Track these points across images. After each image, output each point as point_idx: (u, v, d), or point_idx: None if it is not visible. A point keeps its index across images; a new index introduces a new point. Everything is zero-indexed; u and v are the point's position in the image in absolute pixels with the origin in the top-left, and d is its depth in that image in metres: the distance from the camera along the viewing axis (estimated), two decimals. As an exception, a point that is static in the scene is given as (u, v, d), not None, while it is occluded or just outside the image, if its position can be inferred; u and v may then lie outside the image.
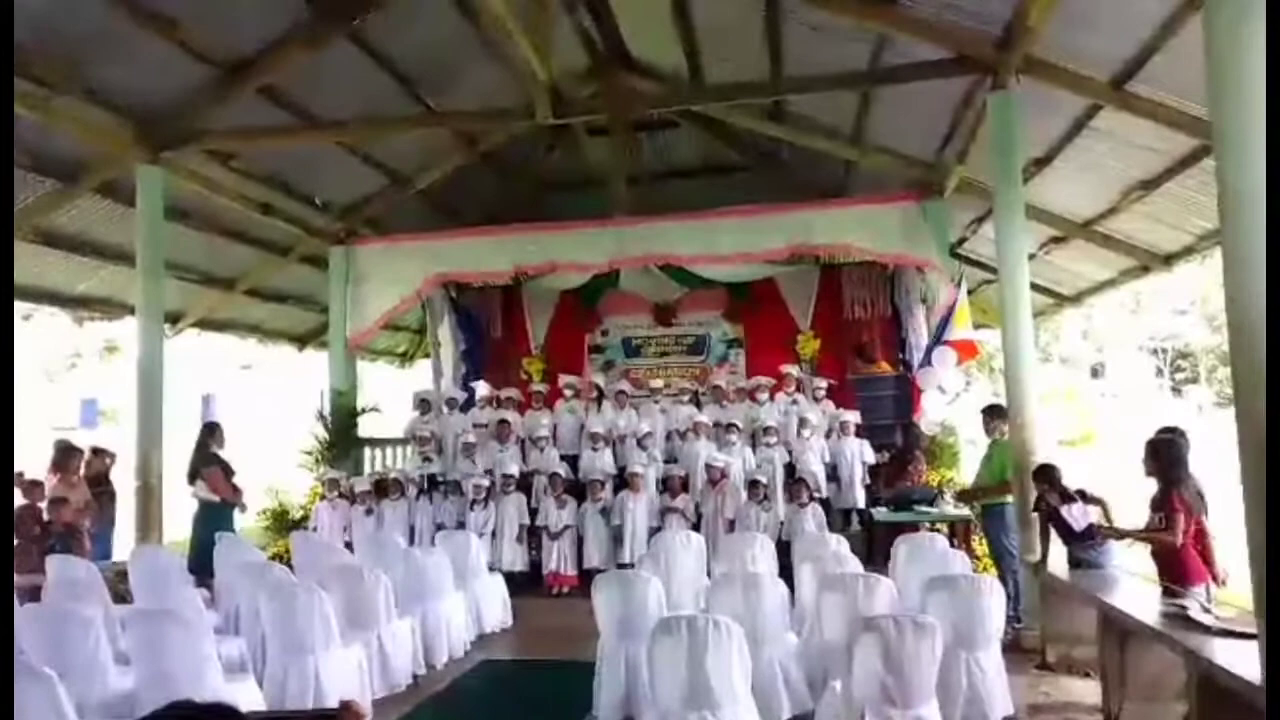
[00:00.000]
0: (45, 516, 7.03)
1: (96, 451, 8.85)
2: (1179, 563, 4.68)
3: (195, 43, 6.83)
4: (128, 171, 7.70)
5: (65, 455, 7.88)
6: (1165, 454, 4.86)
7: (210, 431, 8.09)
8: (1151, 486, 4.93)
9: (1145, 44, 5.55)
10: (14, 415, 3.72)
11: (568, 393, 10.06)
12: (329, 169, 9.54)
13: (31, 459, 8.58)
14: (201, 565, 6.95)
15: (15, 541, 6.92)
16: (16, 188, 7.37)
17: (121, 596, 6.20)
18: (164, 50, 6.70)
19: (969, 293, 9.23)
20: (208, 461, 7.82)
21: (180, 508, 8.30)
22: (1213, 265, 6.60)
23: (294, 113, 8.18)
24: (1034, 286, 7.91)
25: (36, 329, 23.14)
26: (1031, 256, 7.89)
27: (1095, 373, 32.13)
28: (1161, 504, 4.77)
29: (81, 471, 8.10)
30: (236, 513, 8.04)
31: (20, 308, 9.40)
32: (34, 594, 5.67)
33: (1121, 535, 5.32)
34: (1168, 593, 4.58)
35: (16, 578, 6.44)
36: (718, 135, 10.93)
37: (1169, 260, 8.28)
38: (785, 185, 11.00)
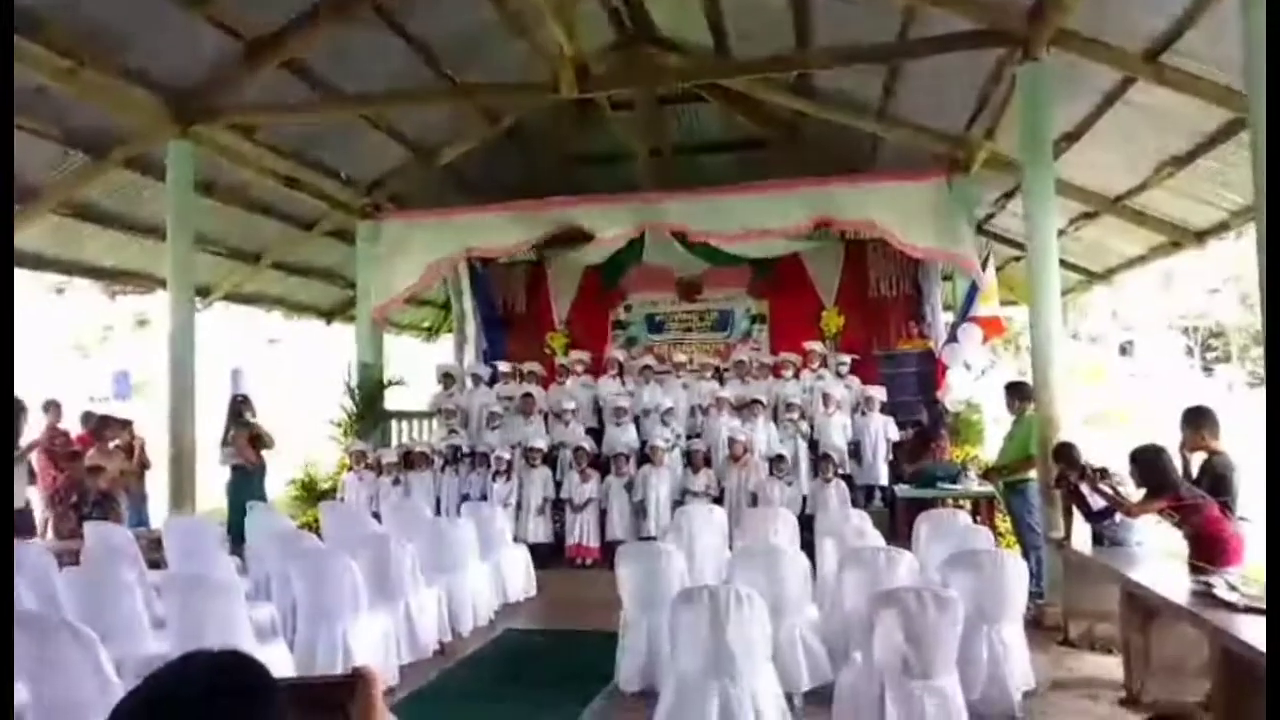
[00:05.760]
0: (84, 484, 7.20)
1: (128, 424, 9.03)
2: (1216, 542, 4.62)
3: (224, 17, 6.86)
4: (158, 145, 7.78)
5: (103, 425, 8.07)
6: (1151, 469, 4.82)
7: (243, 402, 8.55)
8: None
9: (1180, 16, 5.44)
10: (14, 414, 3.79)
11: (578, 368, 10.14)
12: (355, 143, 9.59)
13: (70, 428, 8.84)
14: (234, 532, 7.13)
15: (56, 508, 7.13)
16: (48, 161, 7.49)
17: (154, 563, 6.35)
18: (193, 24, 6.74)
19: (996, 269, 9.13)
20: (239, 427, 8.30)
21: (211, 478, 8.51)
22: (1247, 242, 6.48)
23: (320, 87, 8.22)
24: (1063, 263, 7.80)
25: (70, 303, 23.49)
26: (1061, 233, 7.79)
27: (1124, 351, 31.67)
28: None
29: (128, 441, 8.41)
30: (268, 480, 8.40)
31: (54, 280, 9.61)
32: (73, 558, 5.83)
33: (1120, 503, 5.26)
34: (1194, 570, 4.55)
35: (56, 542, 6.63)
36: (743, 110, 10.82)
37: (1201, 236, 8.12)
38: (811, 160, 10.89)
